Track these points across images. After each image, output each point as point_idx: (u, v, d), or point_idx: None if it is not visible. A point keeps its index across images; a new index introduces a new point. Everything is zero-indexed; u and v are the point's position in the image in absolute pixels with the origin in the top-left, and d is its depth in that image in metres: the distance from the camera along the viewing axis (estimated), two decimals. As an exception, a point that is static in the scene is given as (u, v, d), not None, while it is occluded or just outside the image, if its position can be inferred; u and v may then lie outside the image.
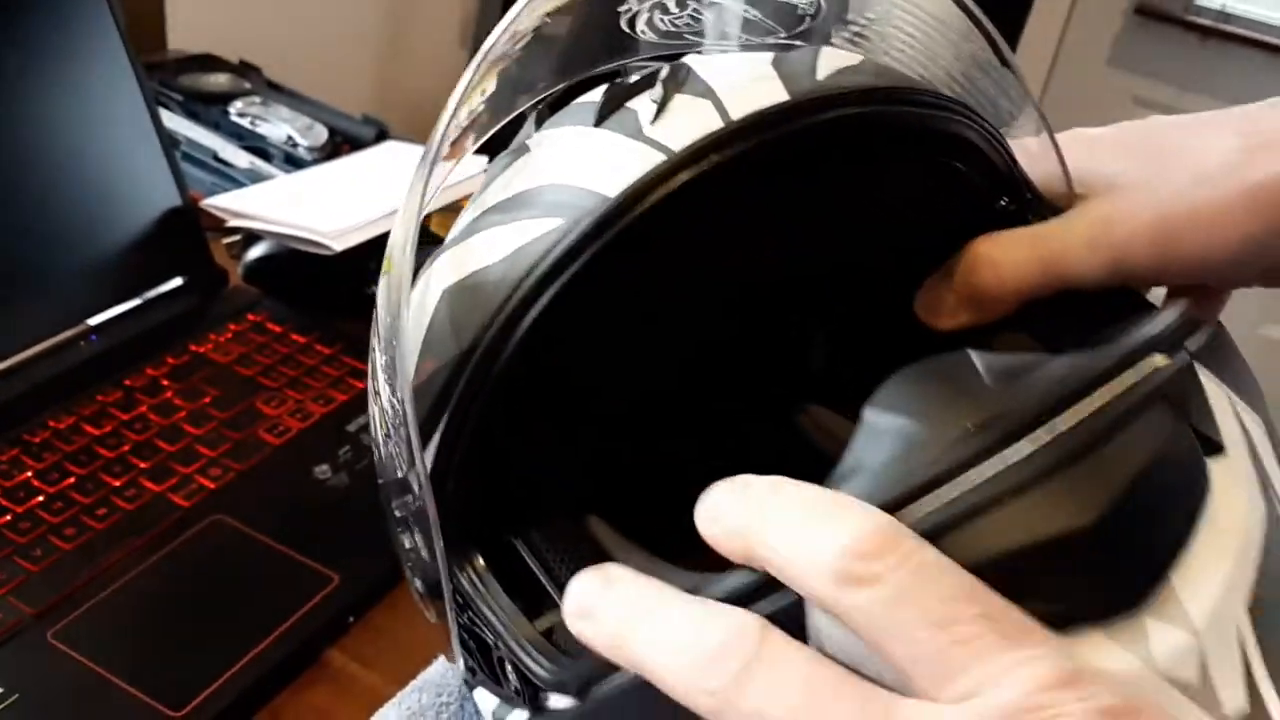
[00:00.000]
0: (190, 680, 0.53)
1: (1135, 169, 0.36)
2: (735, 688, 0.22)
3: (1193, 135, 0.36)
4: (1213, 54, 2.07)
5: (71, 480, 0.63)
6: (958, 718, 0.20)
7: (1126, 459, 0.24)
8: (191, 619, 0.57)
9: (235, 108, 1.00)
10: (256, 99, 1.01)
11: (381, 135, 1.00)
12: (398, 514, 0.32)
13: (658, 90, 0.31)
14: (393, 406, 0.30)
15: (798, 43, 0.35)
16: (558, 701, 0.28)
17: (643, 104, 0.31)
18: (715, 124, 0.29)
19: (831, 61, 0.32)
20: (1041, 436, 0.23)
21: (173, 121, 0.96)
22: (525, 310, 0.29)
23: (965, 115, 0.33)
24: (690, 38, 0.35)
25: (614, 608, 0.25)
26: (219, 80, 1.05)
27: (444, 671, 0.57)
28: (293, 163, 0.95)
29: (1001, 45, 0.36)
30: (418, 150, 0.95)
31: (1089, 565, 0.23)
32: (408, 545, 0.33)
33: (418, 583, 0.34)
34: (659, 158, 0.29)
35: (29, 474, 0.63)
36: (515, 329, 0.29)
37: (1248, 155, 0.33)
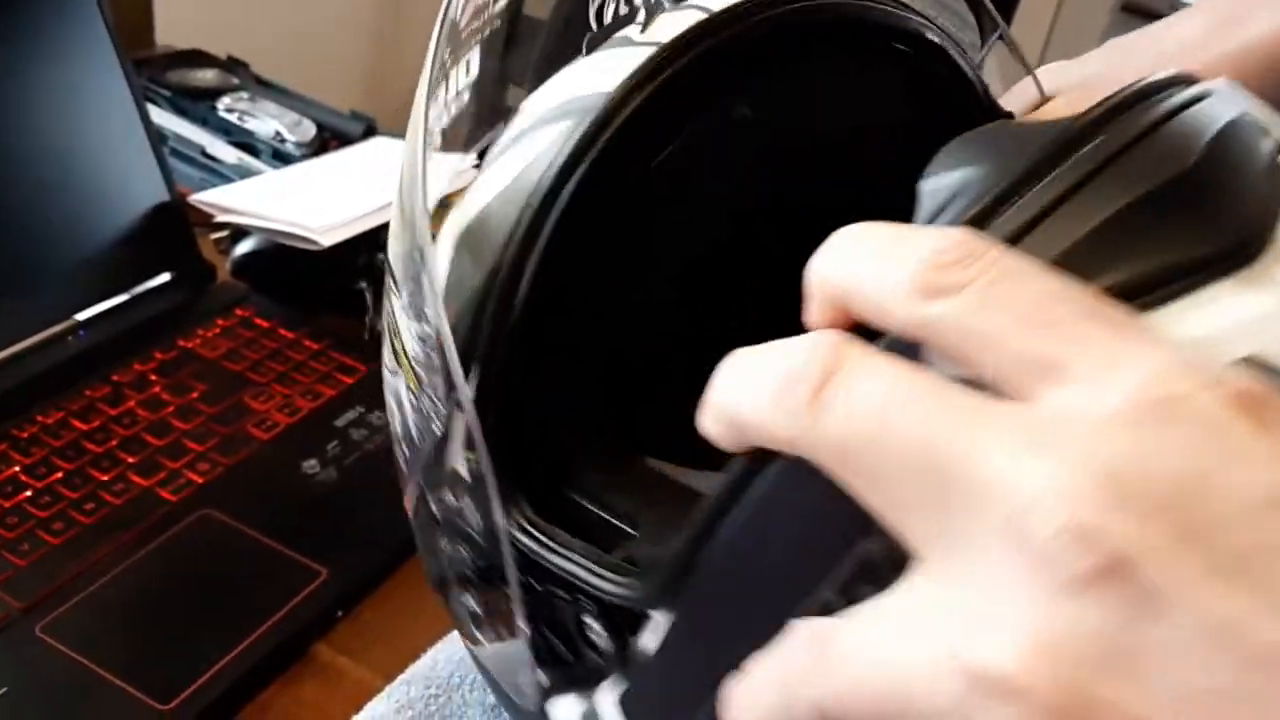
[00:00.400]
0: (179, 673, 0.53)
1: (1105, 65, 0.36)
2: (817, 404, 0.19)
3: (1161, 27, 0.37)
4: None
5: (59, 475, 0.63)
6: (1067, 416, 0.18)
7: (1208, 121, 0.22)
8: (180, 613, 0.58)
9: (223, 103, 0.99)
10: (244, 95, 1.01)
11: (369, 131, 1.00)
12: (433, 482, 0.30)
13: (640, 13, 0.32)
14: (424, 342, 0.28)
15: None
16: (650, 640, 0.26)
17: (630, 28, 0.32)
18: (698, 17, 0.30)
19: None
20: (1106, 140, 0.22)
21: (161, 117, 0.96)
22: (545, 215, 0.28)
23: (935, 24, 0.34)
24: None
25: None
26: (207, 76, 1.05)
27: (433, 664, 0.57)
28: (281, 158, 0.95)
29: None
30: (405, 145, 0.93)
31: (1195, 212, 0.21)
32: (449, 514, 0.30)
33: (466, 562, 0.31)
34: (651, 51, 0.29)
35: (17, 469, 0.63)
36: (536, 239, 0.28)
37: (1217, 29, 0.34)
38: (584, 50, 0.32)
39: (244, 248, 0.81)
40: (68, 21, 0.76)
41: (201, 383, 0.72)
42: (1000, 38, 0.37)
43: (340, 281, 0.79)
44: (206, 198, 0.82)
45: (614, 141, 0.28)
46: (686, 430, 0.32)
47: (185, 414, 0.69)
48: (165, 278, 0.80)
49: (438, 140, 0.33)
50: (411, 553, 0.64)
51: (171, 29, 1.20)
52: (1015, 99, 0.37)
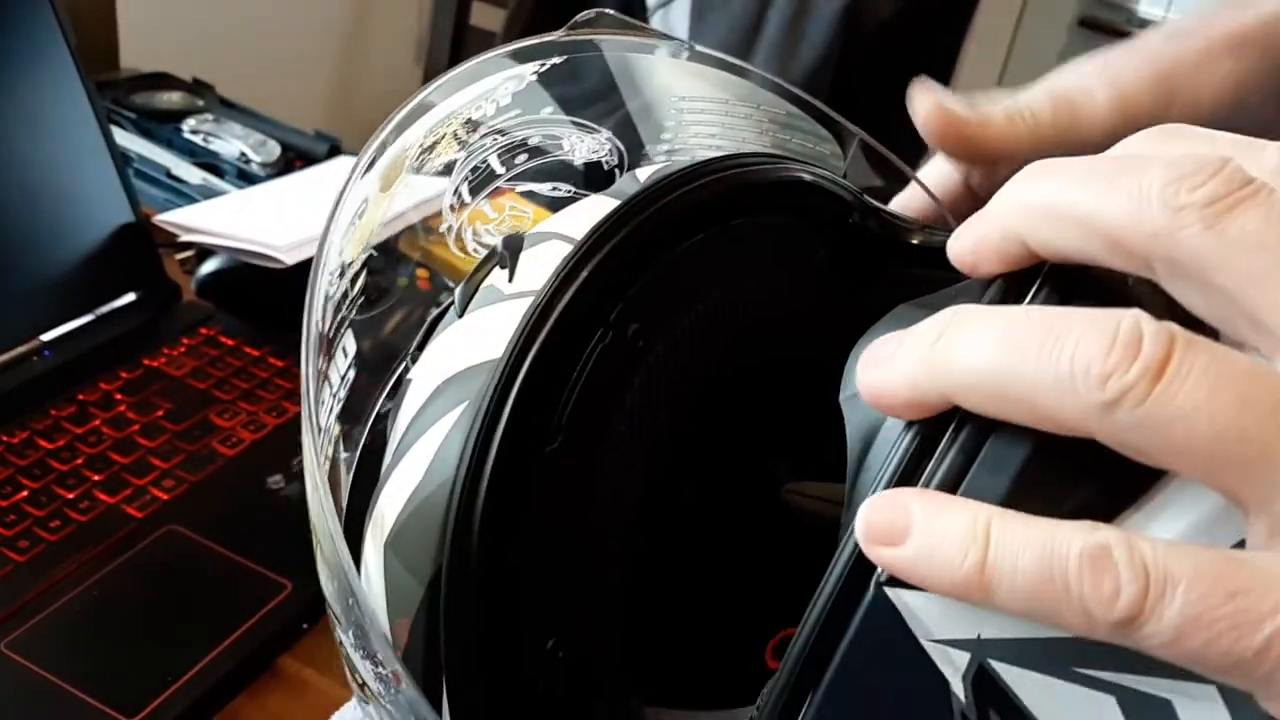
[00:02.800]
0: (144, 687, 0.54)
1: (1099, 57, 0.36)
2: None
3: (1151, 29, 0.37)
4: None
5: (25, 494, 0.64)
6: None
7: None
8: (145, 628, 0.58)
9: (188, 125, 1.00)
10: (209, 116, 1.02)
11: (334, 151, 1.01)
12: None
13: (504, 257, 0.31)
14: (384, 682, 0.27)
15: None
16: None
17: (495, 277, 0.31)
18: (566, 251, 0.29)
19: (646, 171, 0.33)
20: None
21: (125, 139, 0.96)
22: (471, 510, 0.27)
23: (786, 161, 0.33)
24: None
25: (919, 340, 0.21)
26: (172, 98, 1.06)
27: (399, 676, 0.58)
28: (246, 179, 0.95)
29: (802, 94, 0.36)
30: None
31: None
32: None
33: None
34: (527, 302, 0.28)
35: (-18, 488, 0.64)
36: (470, 533, 0.27)
37: (1214, 13, 0.35)
38: (457, 308, 0.31)
39: (208, 267, 0.82)
40: (29, 44, 0.77)
41: (167, 401, 0.72)
42: (861, 142, 0.37)
43: (304, 299, 0.80)
44: (171, 218, 0.82)
45: (514, 419, 0.27)
46: (674, 680, 0.32)
47: (150, 432, 0.70)
48: (130, 298, 0.80)
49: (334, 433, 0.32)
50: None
51: (137, 52, 1.21)
52: (925, 180, 0.37)
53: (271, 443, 0.70)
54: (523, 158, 0.35)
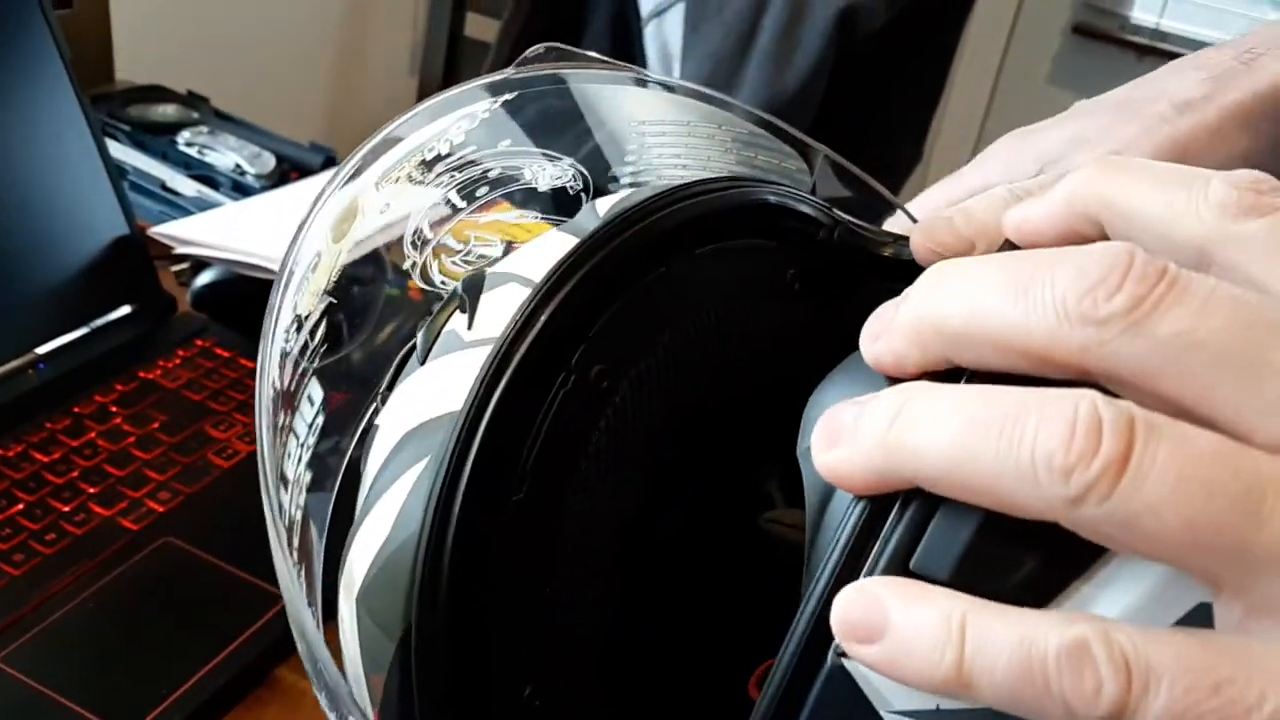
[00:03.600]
0: (140, 701, 0.54)
1: (1101, 122, 0.36)
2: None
3: (1147, 84, 0.37)
4: (1149, 70, 2.12)
5: (20, 507, 0.64)
6: None
7: None
8: (141, 641, 0.58)
9: (183, 137, 1.00)
10: (204, 128, 1.02)
11: (329, 162, 1.01)
12: None
13: (464, 301, 0.30)
14: None
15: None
16: None
17: (456, 321, 0.31)
18: (524, 295, 0.29)
19: (605, 203, 0.32)
20: None
21: (120, 152, 0.96)
22: (438, 565, 0.27)
23: (748, 183, 0.32)
24: (482, 263, 0.35)
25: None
26: (167, 111, 1.06)
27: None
28: (241, 190, 0.96)
29: (761, 114, 0.36)
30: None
31: None
32: None
33: None
34: (486, 350, 0.28)
35: (-23, 502, 0.64)
36: (437, 588, 0.27)
37: (1215, 84, 0.34)
38: (418, 357, 0.31)
39: (204, 279, 0.82)
40: (23, 58, 0.77)
41: (162, 413, 0.72)
42: (827, 158, 0.37)
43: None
44: (166, 230, 0.82)
45: (476, 472, 0.27)
46: (656, 716, 0.31)
47: (146, 444, 0.70)
48: (125, 310, 0.80)
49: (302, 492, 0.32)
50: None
51: (132, 65, 1.21)
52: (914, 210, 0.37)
53: (267, 454, 0.70)
54: (484, 190, 0.35)
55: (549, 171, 0.35)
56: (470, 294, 0.30)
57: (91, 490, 0.66)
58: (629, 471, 0.30)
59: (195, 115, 1.06)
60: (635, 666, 0.32)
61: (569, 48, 0.36)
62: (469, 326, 0.30)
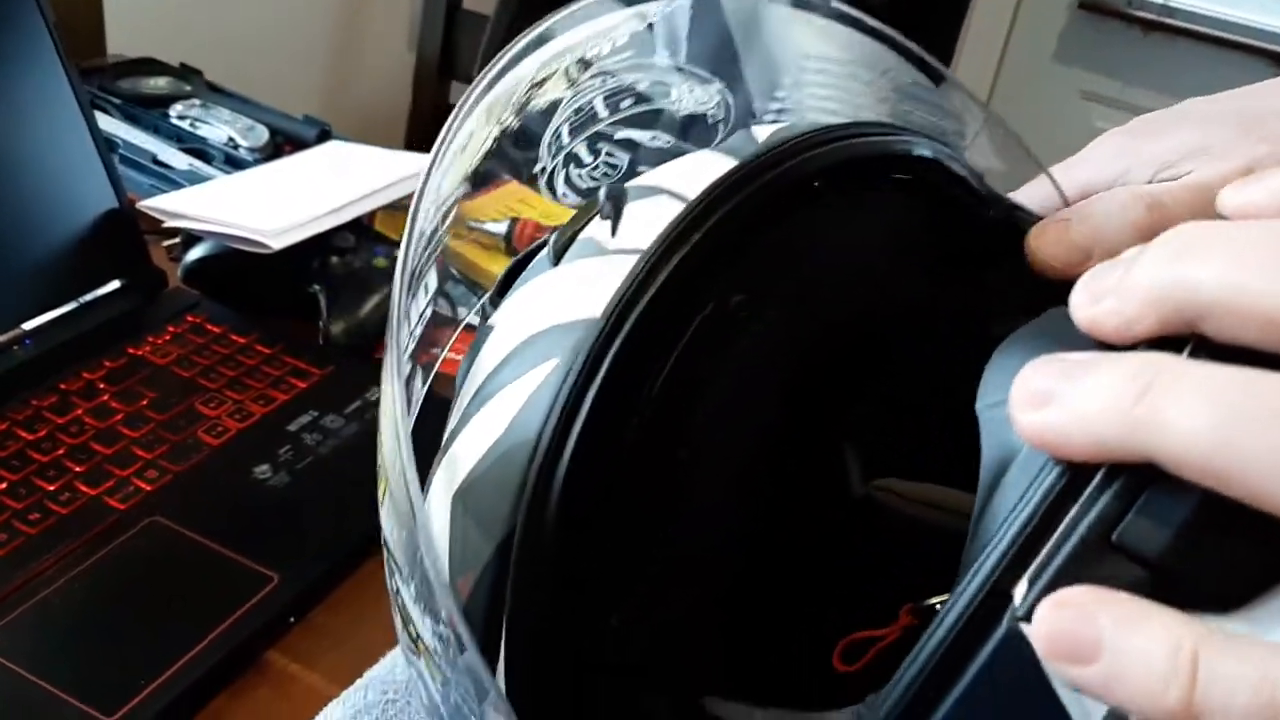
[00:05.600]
0: (125, 684, 0.52)
1: (1225, 135, 0.34)
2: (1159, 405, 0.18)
3: (1271, 94, 0.35)
4: (1155, 46, 2.10)
5: (3, 485, 0.62)
6: None
7: None
8: (127, 623, 0.56)
9: (175, 110, 0.98)
10: (196, 101, 1.00)
11: (324, 136, 0.99)
12: None
13: (606, 208, 0.29)
14: (443, 641, 0.25)
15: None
16: None
17: (596, 228, 0.29)
18: (676, 210, 0.27)
19: (764, 130, 0.31)
20: None
21: (111, 125, 0.95)
22: (552, 475, 0.25)
23: (905, 133, 0.31)
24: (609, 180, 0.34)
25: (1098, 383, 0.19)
26: (159, 84, 1.04)
27: (391, 669, 0.57)
28: (233, 164, 0.94)
29: (932, 61, 0.35)
30: (359, 149, 0.94)
31: None
32: None
33: None
34: (631, 260, 0.27)
35: (-41, 480, 0.62)
36: (549, 494, 0.25)
37: None
38: (551, 255, 0.29)
39: (195, 253, 0.80)
40: (10, 31, 0.75)
41: (151, 390, 0.71)
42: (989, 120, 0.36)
43: (293, 285, 0.78)
44: (155, 203, 0.80)
45: (607, 385, 0.26)
46: (735, 673, 0.30)
47: (134, 421, 0.68)
48: (115, 285, 0.78)
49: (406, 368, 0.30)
50: (364, 558, 0.63)
51: (123, 37, 1.19)
52: (1030, 193, 0.36)
53: (258, 432, 0.69)
54: (628, 103, 0.34)
55: (695, 95, 0.34)
56: (614, 202, 0.29)
57: (78, 469, 0.64)
58: (747, 413, 0.29)
59: (188, 88, 1.04)
60: (722, 619, 0.31)
61: None
62: (613, 234, 0.29)
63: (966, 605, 0.20)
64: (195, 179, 0.91)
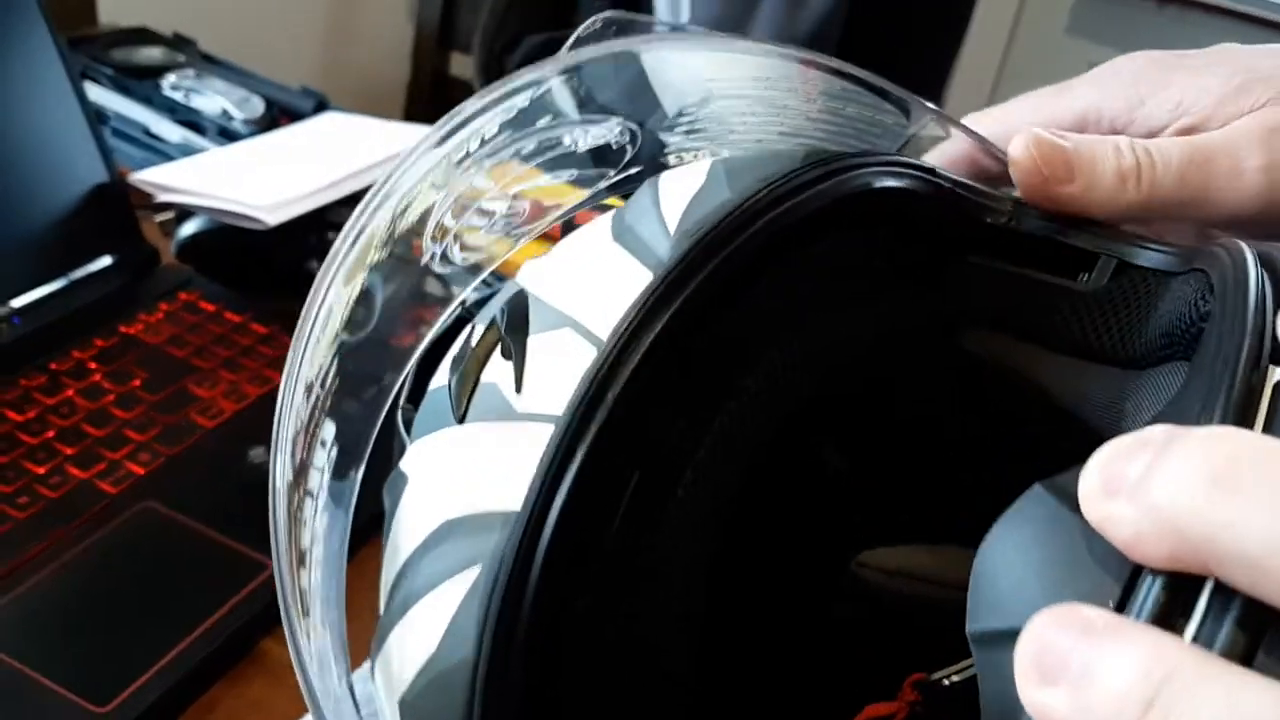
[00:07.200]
0: (117, 675, 0.51)
1: (1265, 96, 0.32)
2: None
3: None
4: (1169, 20, 2.07)
5: (-9, 469, 0.60)
6: None
7: None
8: (119, 611, 0.55)
9: (168, 81, 0.96)
10: (190, 72, 0.98)
11: (320, 107, 0.97)
12: None
13: (504, 345, 0.27)
14: None
15: (634, 170, 0.32)
16: None
17: (498, 369, 0.27)
18: (586, 357, 0.24)
19: (673, 202, 0.27)
20: None
21: (102, 96, 0.92)
22: (502, 694, 0.24)
23: (827, 169, 0.28)
24: (519, 231, 0.31)
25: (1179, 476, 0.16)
26: (152, 54, 1.01)
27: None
28: (228, 136, 0.91)
29: (871, 78, 0.32)
30: (358, 120, 0.91)
31: None
32: None
33: None
34: (544, 433, 0.24)
35: (-54, 463, 0.60)
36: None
37: None
38: (454, 409, 0.27)
39: (188, 229, 0.78)
40: (-4, -3, 0.72)
41: (143, 370, 0.69)
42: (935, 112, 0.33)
43: (289, 262, 0.76)
44: (146, 177, 0.78)
45: (538, 600, 0.23)
46: None
47: (126, 402, 0.66)
48: (106, 261, 0.76)
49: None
50: (361, 547, 0.61)
51: (116, 7, 1.16)
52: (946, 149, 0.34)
53: (253, 413, 0.67)
54: (516, 165, 0.31)
55: (593, 132, 0.32)
56: (514, 332, 0.26)
57: (68, 451, 0.62)
58: (701, 557, 0.26)
59: (181, 58, 1.01)
60: None
61: (627, 16, 0.32)
62: (517, 388, 0.26)
63: None
64: (188, 152, 0.88)
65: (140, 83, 0.95)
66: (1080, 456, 0.18)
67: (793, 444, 0.30)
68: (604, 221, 0.29)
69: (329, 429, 0.29)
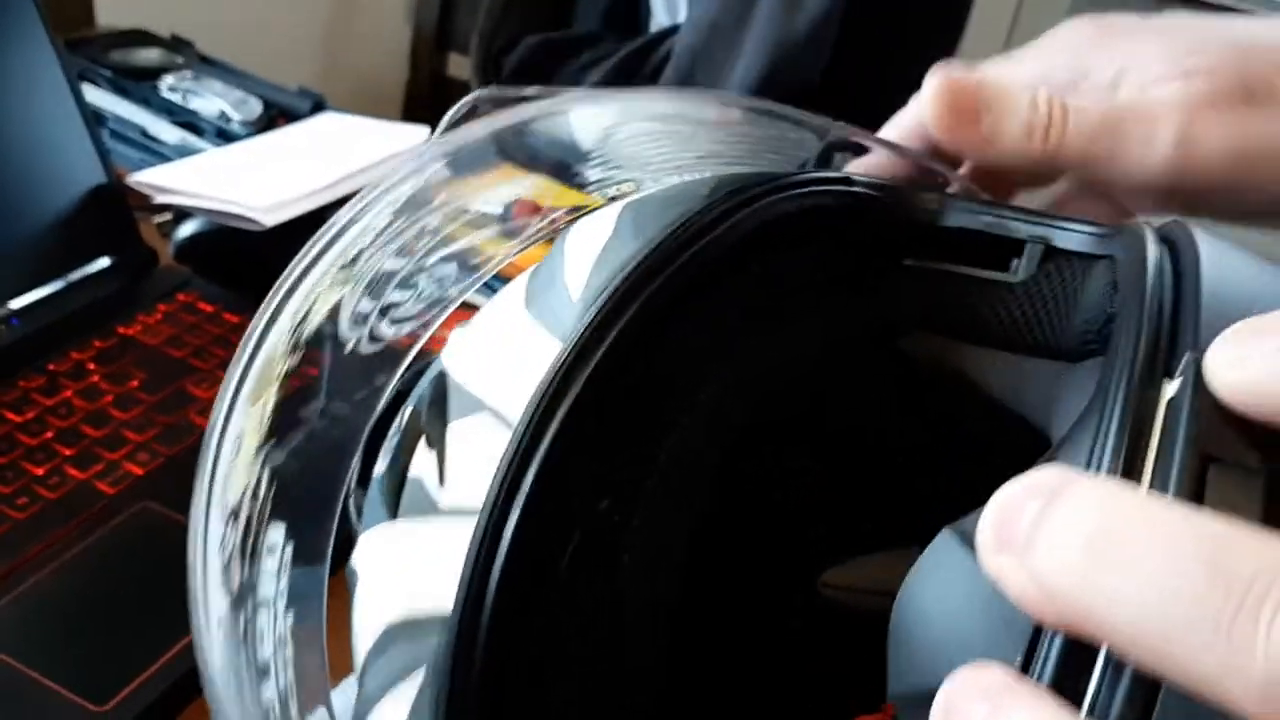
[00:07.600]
0: (116, 674, 0.51)
1: (1210, 63, 0.31)
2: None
3: (1268, 28, 0.32)
4: (1169, 7, 2.07)
5: (-10, 470, 0.60)
6: None
7: None
8: (118, 611, 0.55)
9: (166, 83, 0.96)
10: (188, 73, 0.98)
11: (318, 108, 0.97)
12: None
13: (427, 434, 0.26)
14: None
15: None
16: None
17: (423, 463, 0.27)
18: (502, 443, 0.24)
19: (580, 260, 0.27)
20: None
21: (100, 98, 0.92)
22: None
23: (742, 198, 0.27)
24: (434, 312, 0.31)
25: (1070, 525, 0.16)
26: (150, 55, 1.01)
27: (389, 657, 0.55)
28: (225, 138, 0.91)
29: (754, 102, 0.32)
30: (356, 121, 0.91)
31: None
32: None
33: None
34: (464, 526, 0.24)
35: (-55, 464, 0.60)
36: None
37: None
38: (384, 502, 0.27)
39: (186, 230, 0.78)
40: (-7, -3, 0.72)
41: (142, 370, 0.69)
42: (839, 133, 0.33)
43: (287, 263, 0.76)
44: (144, 178, 0.78)
45: (484, 696, 0.23)
46: None
47: (125, 403, 0.66)
48: (104, 263, 0.76)
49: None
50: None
51: (113, 8, 1.16)
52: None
53: (252, 413, 0.67)
54: (425, 240, 0.31)
55: (502, 192, 0.31)
56: (434, 421, 0.26)
57: (67, 452, 0.62)
58: (652, 618, 0.26)
59: (179, 60, 1.01)
60: None
61: (507, 93, 0.31)
62: (440, 480, 0.26)
63: None
64: (186, 153, 0.88)
65: (138, 84, 0.96)
66: (1023, 454, 0.18)
67: (742, 471, 0.30)
68: (519, 285, 0.28)
69: (276, 533, 0.28)
